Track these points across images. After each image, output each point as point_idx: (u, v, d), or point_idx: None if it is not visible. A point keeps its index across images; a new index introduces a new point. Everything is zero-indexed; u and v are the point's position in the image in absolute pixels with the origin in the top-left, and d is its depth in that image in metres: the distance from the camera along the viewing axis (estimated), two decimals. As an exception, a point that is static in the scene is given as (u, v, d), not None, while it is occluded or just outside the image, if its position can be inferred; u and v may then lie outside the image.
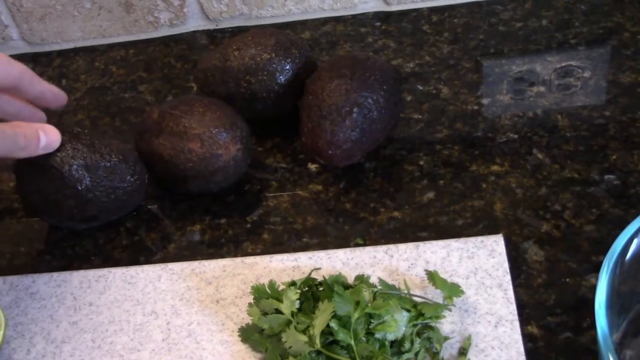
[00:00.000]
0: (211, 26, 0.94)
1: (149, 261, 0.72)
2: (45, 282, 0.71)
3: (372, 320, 0.59)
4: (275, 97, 0.78)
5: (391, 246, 0.69)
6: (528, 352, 0.61)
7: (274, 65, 0.77)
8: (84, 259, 0.74)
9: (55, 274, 0.72)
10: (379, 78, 0.73)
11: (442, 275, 0.65)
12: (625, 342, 0.58)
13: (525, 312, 0.64)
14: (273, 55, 0.77)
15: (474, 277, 0.66)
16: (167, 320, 0.67)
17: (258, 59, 0.77)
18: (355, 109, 0.72)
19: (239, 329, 0.65)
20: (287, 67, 0.77)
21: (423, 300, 0.62)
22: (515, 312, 0.63)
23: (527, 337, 0.62)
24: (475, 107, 0.80)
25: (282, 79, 0.77)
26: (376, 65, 0.75)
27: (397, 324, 0.59)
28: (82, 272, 0.72)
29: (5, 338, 0.67)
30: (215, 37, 0.94)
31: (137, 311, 0.68)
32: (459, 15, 0.90)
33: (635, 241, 0.55)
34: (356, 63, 0.74)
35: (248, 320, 0.65)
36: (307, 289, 0.63)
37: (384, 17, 0.92)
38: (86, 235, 0.75)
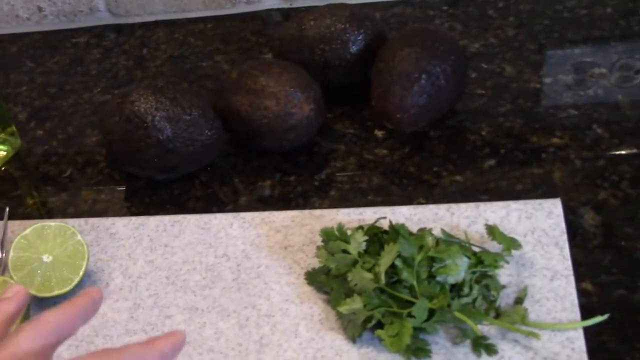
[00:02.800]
0: (286, 5, 0.99)
1: (221, 211, 0.77)
2: (124, 225, 0.76)
3: (434, 264, 0.63)
4: (347, 65, 0.82)
5: (453, 205, 0.72)
6: (582, 305, 0.64)
7: (347, 35, 0.81)
8: (160, 207, 0.78)
9: (133, 218, 0.77)
10: (448, 49, 0.77)
11: (502, 232, 0.68)
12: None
13: (581, 270, 0.66)
14: (347, 25, 0.81)
15: (532, 235, 0.69)
16: (237, 263, 0.71)
17: (333, 28, 0.81)
18: (423, 76, 0.75)
19: (305, 272, 0.69)
20: (360, 38, 0.81)
21: (482, 249, 0.65)
22: (571, 268, 0.66)
23: (581, 292, 0.65)
24: (538, 85, 0.83)
25: (355, 49, 0.81)
26: (445, 38, 0.78)
27: (458, 268, 0.63)
28: (158, 217, 0.76)
29: (87, 271, 0.71)
30: (290, 15, 0.98)
31: (209, 253, 0.72)
32: (524, 2, 0.93)
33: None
34: (427, 34, 0.78)
35: (314, 265, 0.69)
36: (373, 235, 0.67)
37: (452, 2, 0.95)
38: (163, 186, 0.80)
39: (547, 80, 0.84)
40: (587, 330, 0.62)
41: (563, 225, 0.69)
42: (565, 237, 0.68)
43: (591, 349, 0.61)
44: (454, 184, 0.75)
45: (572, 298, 0.64)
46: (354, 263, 0.64)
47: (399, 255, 0.62)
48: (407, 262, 0.62)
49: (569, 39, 0.88)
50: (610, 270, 0.66)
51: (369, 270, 0.63)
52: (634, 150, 0.75)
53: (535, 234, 0.69)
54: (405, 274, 0.62)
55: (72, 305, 0.51)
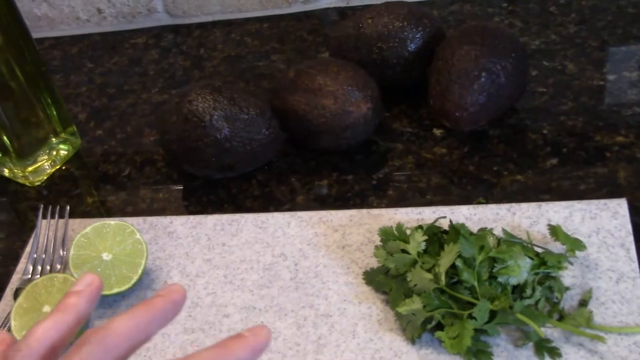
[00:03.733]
0: (342, 3, 0.98)
1: (278, 210, 0.76)
2: (182, 223, 0.76)
3: (495, 265, 0.62)
4: (405, 63, 0.81)
5: (514, 205, 0.71)
6: (649, 309, 0.62)
7: (405, 33, 0.80)
8: (217, 206, 0.78)
9: (191, 217, 0.77)
10: (508, 46, 0.76)
11: (566, 233, 0.66)
12: None
13: (647, 272, 0.65)
14: (405, 23, 0.80)
15: (596, 236, 0.67)
16: (295, 262, 0.71)
17: (391, 26, 0.80)
18: (483, 74, 0.74)
19: (364, 272, 0.68)
20: (418, 36, 0.80)
21: (545, 250, 0.64)
22: (638, 270, 0.64)
23: (648, 295, 0.63)
24: (601, 83, 0.81)
25: (413, 47, 0.80)
26: (505, 35, 0.77)
27: (520, 269, 0.61)
28: (216, 216, 0.76)
29: (145, 270, 0.72)
30: (346, 14, 0.98)
31: (266, 252, 0.72)
32: (587, -2, 0.91)
33: None
34: (486, 31, 0.77)
35: (372, 265, 0.68)
36: (433, 235, 0.66)
37: (511, -1, 0.94)
38: (220, 185, 0.80)
39: (611, 77, 0.82)
40: (654, 334, 0.61)
41: (629, 226, 0.67)
42: (631, 238, 0.66)
43: (659, 354, 0.60)
44: (514, 184, 0.74)
45: (639, 301, 0.62)
46: (414, 263, 0.63)
47: (460, 256, 0.61)
48: (468, 262, 0.61)
49: (634, 35, 0.86)
50: (678, 272, 0.64)
51: (429, 270, 0.62)
52: (703, 149, 0.73)
53: (600, 235, 0.67)
54: (465, 275, 0.60)
55: (147, 308, 0.44)
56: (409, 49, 0.80)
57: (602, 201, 0.69)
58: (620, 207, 0.69)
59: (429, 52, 0.80)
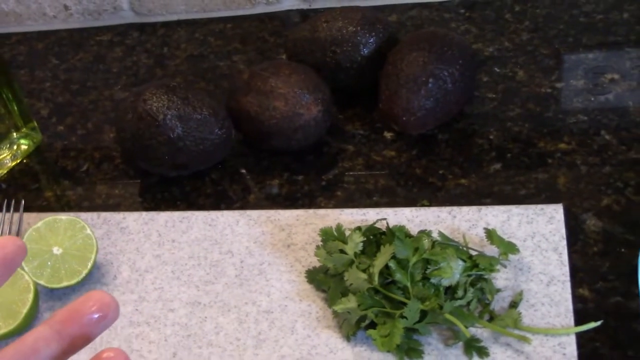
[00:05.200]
0: (305, 5, 1.00)
1: (229, 208, 0.78)
2: (134, 219, 0.78)
3: (429, 266, 0.64)
4: (358, 68, 0.83)
5: (455, 208, 0.73)
6: (577, 311, 0.64)
7: (358, 38, 0.82)
8: (171, 203, 0.80)
9: (144, 213, 0.79)
10: (456, 53, 0.78)
11: (501, 236, 0.68)
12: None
13: (579, 275, 0.67)
14: (359, 28, 0.82)
15: (531, 240, 0.69)
16: (241, 259, 0.73)
17: (344, 31, 0.82)
18: (431, 79, 0.76)
19: (306, 271, 0.70)
20: (371, 41, 0.82)
21: (479, 253, 0.66)
22: (568, 274, 0.66)
23: (577, 298, 0.65)
24: (549, 90, 0.83)
25: (366, 51, 0.82)
26: (454, 42, 0.79)
27: (452, 271, 0.63)
28: (168, 213, 0.78)
29: (96, 264, 0.74)
30: (308, 16, 0.99)
31: (214, 249, 0.74)
32: (541, 6, 0.93)
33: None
34: (435, 38, 0.79)
35: (315, 264, 0.70)
36: (371, 236, 0.68)
37: (469, 5, 0.95)
38: (174, 183, 0.82)
39: (559, 85, 0.84)
40: (580, 337, 0.63)
41: (563, 231, 0.69)
42: (564, 242, 0.69)
43: (584, 355, 0.62)
44: (458, 187, 0.76)
45: (567, 304, 0.64)
46: (351, 263, 0.65)
47: (394, 257, 0.63)
48: (402, 263, 0.63)
49: (584, 44, 0.88)
50: (607, 277, 0.67)
51: (364, 270, 0.64)
52: (641, 157, 0.75)
53: (535, 239, 0.69)
54: (398, 275, 0.63)
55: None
56: (362, 53, 0.82)
57: (539, 206, 0.72)
58: (556, 212, 0.71)
59: (382, 56, 0.82)
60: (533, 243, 0.69)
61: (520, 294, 0.65)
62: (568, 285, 0.66)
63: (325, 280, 0.67)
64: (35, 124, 0.89)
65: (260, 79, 0.79)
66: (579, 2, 0.93)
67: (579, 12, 0.92)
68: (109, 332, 0.69)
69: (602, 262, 0.68)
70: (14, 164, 0.88)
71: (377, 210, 0.74)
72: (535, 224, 0.70)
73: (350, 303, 0.63)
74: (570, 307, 0.64)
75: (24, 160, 0.88)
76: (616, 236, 0.69)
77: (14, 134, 0.88)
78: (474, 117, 0.82)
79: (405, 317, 0.61)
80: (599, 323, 0.62)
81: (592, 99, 0.81)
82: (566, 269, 0.67)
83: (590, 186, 0.74)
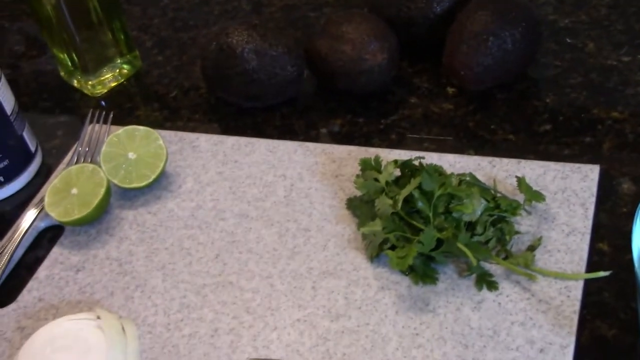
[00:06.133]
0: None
1: (292, 140, 0.85)
2: (206, 140, 0.86)
3: (452, 201, 0.68)
4: (430, 24, 0.87)
5: (496, 159, 0.77)
6: (592, 263, 0.67)
7: (433, -5, 0.87)
8: (241, 130, 0.88)
9: (215, 136, 0.86)
10: (519, 16, 0.81)
11: (533, 188, 0.71)
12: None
13: (601, 231, 0.69)
14: (434, -14, 0.87)
15: (562, 194, 0.72)
16: (291, 183, 0.79)
17: (420, -13, 0.87)
18: (491, 38, 0.80)
19: (347, 199, 0.76)
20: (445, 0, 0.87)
21: (502, 195, 0.70)
22: (590, 227, 0.69)
23: (595, 251, 0.68)
24: (615, 63, 0.85)
25: (438, 9, 0.87)
26: (520, 6, 0.82)
27: (474, 207, 0.67)
28: (236, 137, 0.86)
29: (165, 173, 0.82)
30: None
31: (270, 172, 0.81)
32: (625, -15, 0.95)
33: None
34: (504, 1, 0.83)
35: (357, 194, 0.76)
36: (408, 170, 0.73)
37: (556, -22, 0.98)
38: (248, 113, 0.89)
39: (626, 59, 0.86)
40: (590, 284, 0.66)
41: (595, 189, 0.72)
42: (593, 199, 0.71)
43: (589, 302, 0.65)
44: (505, 142, 0.80)
45: (582, 254, 0.67)
46: (382, 191, 0.71)
47: (420, 188, 0.68)
48: (427, 195, 0.68)
49: (660, 24, 0.89)
50: (630, 236, 0.69)
51: (392, 197, 0.69)
52: (691, 133, 0.76)
53: (566, 193, 0.72)
54: (420, 204, 0.67)
55: None
56: (435, 11, 0.87)
57: (577, 165, 0.74)
58: (591, 172, 0.73)
59: (454, 15, 0.86)
60: (562, 197, 0.72)
61: (540, 239, 0.69)
62: (587, 237, 0.68)
63: (360, 206, 0.73)
64: (137, 52, 0.99)
65: (334, 25, 0.85)
66: (664, -17, 0.94)
67: (662, -7, 0.93)
68: (165, 231, 0.77)
69: (627, 223, 0.70)
70: (114, 84, 0.98)
71: (423, 153, 0.79)
72: (569, 180, 0.73)
73: (375, 226, 0.69)
74: (585, 257, 0.67)
75: (124, 82, 0.98)
76: (647, 201, 0.71)
77: (118, 59, 0.97)
78: (536, 81, 0.85)
79: (422, 243, 0.66)
80: (607, 273, 0.65)
81: (656, 74, 0.83)
82: (589, 223, 0.69)
83: (633, 154, 0.76)
